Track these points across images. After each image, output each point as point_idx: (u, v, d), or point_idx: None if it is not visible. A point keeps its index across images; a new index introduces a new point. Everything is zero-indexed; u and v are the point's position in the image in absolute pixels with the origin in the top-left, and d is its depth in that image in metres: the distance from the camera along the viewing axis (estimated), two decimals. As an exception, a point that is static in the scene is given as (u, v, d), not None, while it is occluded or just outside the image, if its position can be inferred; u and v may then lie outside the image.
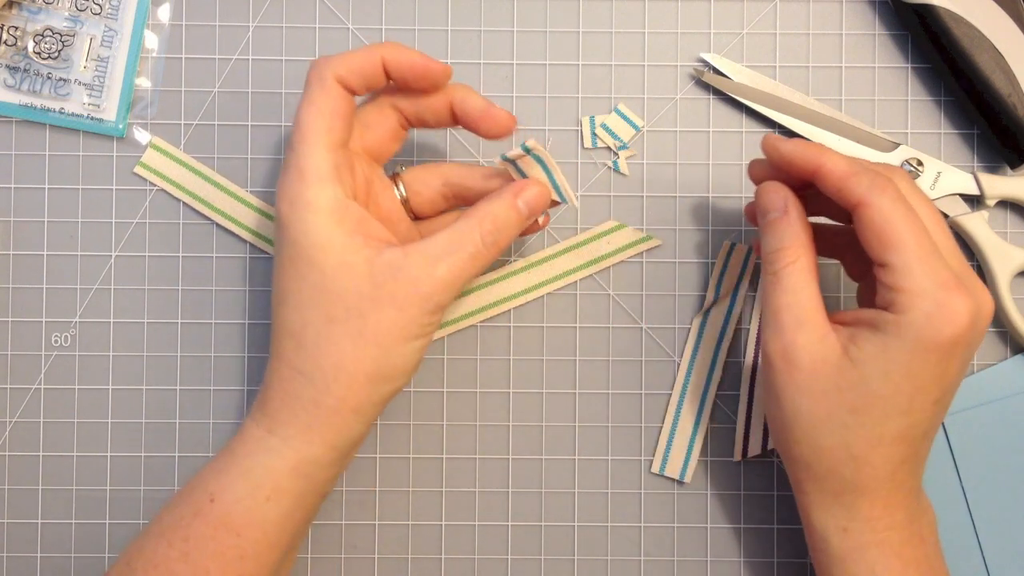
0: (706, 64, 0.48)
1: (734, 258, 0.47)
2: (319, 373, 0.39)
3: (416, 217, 0.45)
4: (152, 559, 0.39)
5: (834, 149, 0.41)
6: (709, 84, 0.48)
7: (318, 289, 0.39)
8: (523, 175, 0.42)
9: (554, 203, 0.43)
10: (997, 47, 0.45)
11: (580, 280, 0.48)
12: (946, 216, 0.47)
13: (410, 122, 0.44)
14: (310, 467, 0.40)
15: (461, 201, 0.45)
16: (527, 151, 0.41)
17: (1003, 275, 0.46)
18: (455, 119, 0.43)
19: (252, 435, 0.40)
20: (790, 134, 0.48)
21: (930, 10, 0.46)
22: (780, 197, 0.41)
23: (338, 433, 0.40)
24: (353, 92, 0.41)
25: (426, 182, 0.44)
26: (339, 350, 0.39)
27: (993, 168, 0.48)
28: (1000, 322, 0.48)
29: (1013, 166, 0.47)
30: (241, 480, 0.39)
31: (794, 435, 0.40)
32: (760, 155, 0.42)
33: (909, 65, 0.48)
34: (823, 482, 0.40)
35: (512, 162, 0.42)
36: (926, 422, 0.39)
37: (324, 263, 0.39)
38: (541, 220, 0.44)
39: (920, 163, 0.47)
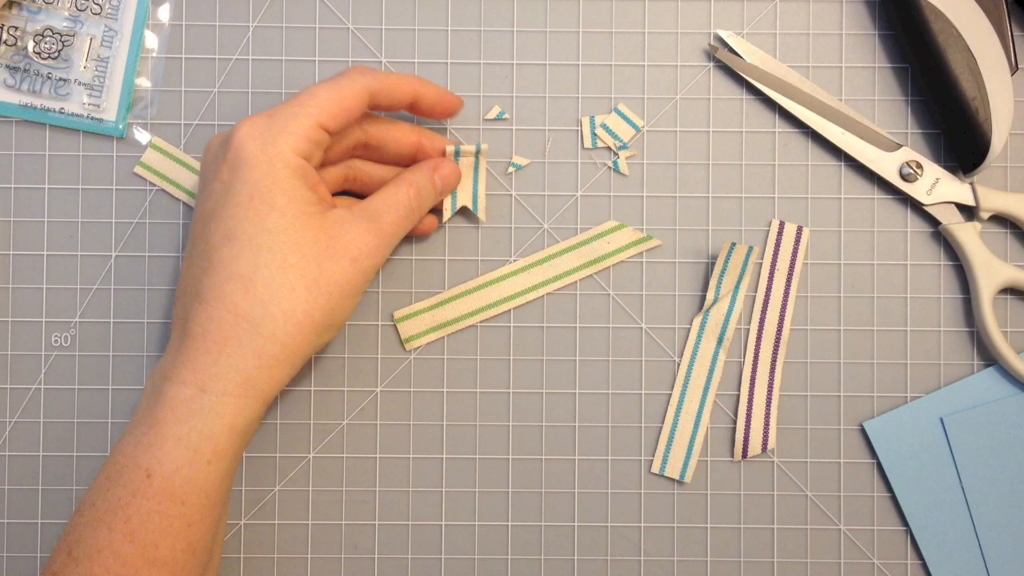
0: (721, 41, 0.48)
1: (734, 258, 0.47)
2: (268, 320, 0.39)
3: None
4: (95, 545, 0.38)
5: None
6: (721, 60, 0.48)
7: (276, 233, 0.39)
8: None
9: (463, 208, 0.47)
10: (970, 48, 0.45)
11: (580, 280, 0.48)
12: (938, 223, 0.47)
13: (369, 145, 0.45)
14: (245, 423, 0.39)
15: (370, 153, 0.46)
16: (477, 152, 0.46)
17: (987, 289, 0.46)
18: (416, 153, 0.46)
19: (181, 398, 0.38)
20: (794, 120, 0.48)
21: (914, 1, 0.46)
22: None
23: (274, 385, 0.39)
24: (374, 106, 0.43)
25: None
26: (293, 296, 0.39)
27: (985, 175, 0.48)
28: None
29: (966, 170, 0.47)
30: (178, 449, 0.38)
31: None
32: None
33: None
34: None
35: (457, 152, 0.46)
36: None
37: (286, 209, 0.40)
38: (426, 222, 0.47)
39: (920, 166, 0.47)
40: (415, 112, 0.44)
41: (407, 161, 0.46)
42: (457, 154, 0.46)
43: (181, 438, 0.38)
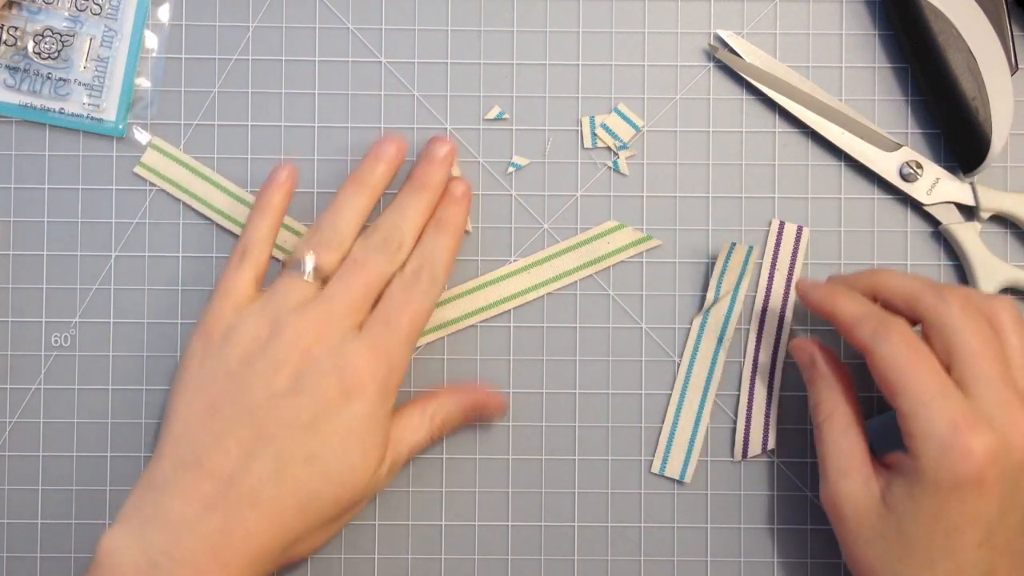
0: (721, 41, 0.48)
1: (734, 258, 0.47)
2: None
3: None
4: None
5: (849, 292, 0.42)
6: (721, 60, 0.48)
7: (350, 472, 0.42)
8: None
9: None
10: (970, 48, 0.45)
11: (580, 280, 0.48)
12: (938, 223, 0.47)
13: None
14: None
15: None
16: None
17: (987, 289, 0.46)
18: None
19: None
20: (794, 120, 0.48)
21: (914, 1, 0.46)
22: (806, 354, 0.43)
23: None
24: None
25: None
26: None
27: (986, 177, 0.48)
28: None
29: (966, 170, 0.47)
30: None
31: None
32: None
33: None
34: None
35: None
36: (977, 566, 0.38)
37: (364, 465, 0.42)
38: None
39: (920, 166, 0.47)
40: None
41: None
42: None
43: None
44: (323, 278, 0.43)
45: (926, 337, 0.40)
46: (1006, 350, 0.40)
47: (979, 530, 0.37)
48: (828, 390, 0.42)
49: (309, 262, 0.43)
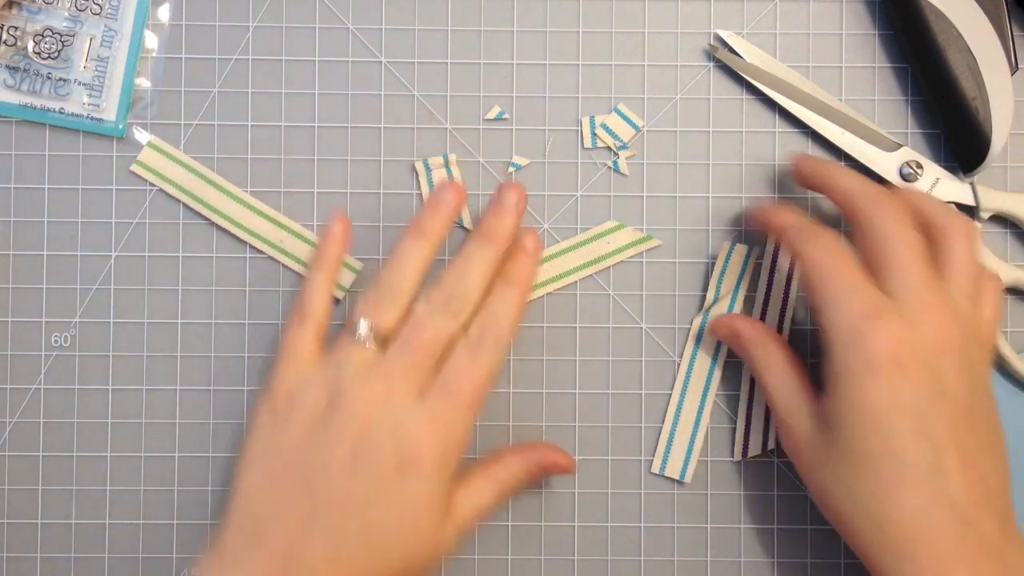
0: (721, 41, 0.48)
1: (734, 258, 0.47)
2: None
3: None
4: None
5: (787, 207, 0.45)
6: (721, 60, 0.48)
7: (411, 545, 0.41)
8: (430, 183, 0.47)
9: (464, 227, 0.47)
10: (970, 48, 0.45)
11: (580, 280, 0.48)
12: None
13: None
14: None
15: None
16: (446, 163, 0.47)
17: None
18: None
19: None
20: (794, 120, 0.48)
21: (914, 1, 0.46)
22: (727, 328, 0.45)
23: None
24: None
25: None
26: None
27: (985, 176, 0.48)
28: (1000, 322, 0.48)
29: (966, 170, 0.47)
30: None
31: (827, 513, 0.40)
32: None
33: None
34: (871, 558, 0.38)
35: (427, 168, 0.47)
36: (919, 458, 0.37)
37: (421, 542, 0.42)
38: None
39: (920, 166, 0.47)
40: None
41: None
42: (427, 168, 0.47)
43: None
44: (383, 339, 0.42)
45: (854, 238, 0.42)
46: (948, 259, 0.40)
47: (906, 416, 0.37)
48: (758, 347, 0.43)
49: (363, 325, 0.42)
